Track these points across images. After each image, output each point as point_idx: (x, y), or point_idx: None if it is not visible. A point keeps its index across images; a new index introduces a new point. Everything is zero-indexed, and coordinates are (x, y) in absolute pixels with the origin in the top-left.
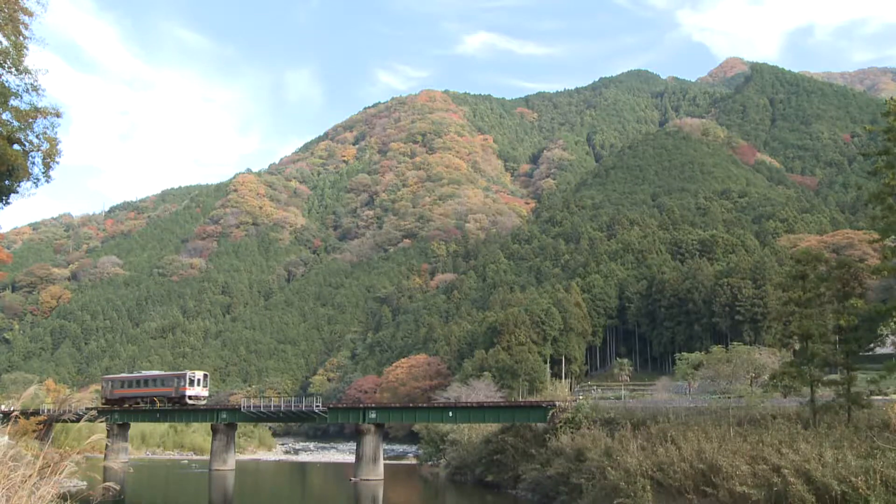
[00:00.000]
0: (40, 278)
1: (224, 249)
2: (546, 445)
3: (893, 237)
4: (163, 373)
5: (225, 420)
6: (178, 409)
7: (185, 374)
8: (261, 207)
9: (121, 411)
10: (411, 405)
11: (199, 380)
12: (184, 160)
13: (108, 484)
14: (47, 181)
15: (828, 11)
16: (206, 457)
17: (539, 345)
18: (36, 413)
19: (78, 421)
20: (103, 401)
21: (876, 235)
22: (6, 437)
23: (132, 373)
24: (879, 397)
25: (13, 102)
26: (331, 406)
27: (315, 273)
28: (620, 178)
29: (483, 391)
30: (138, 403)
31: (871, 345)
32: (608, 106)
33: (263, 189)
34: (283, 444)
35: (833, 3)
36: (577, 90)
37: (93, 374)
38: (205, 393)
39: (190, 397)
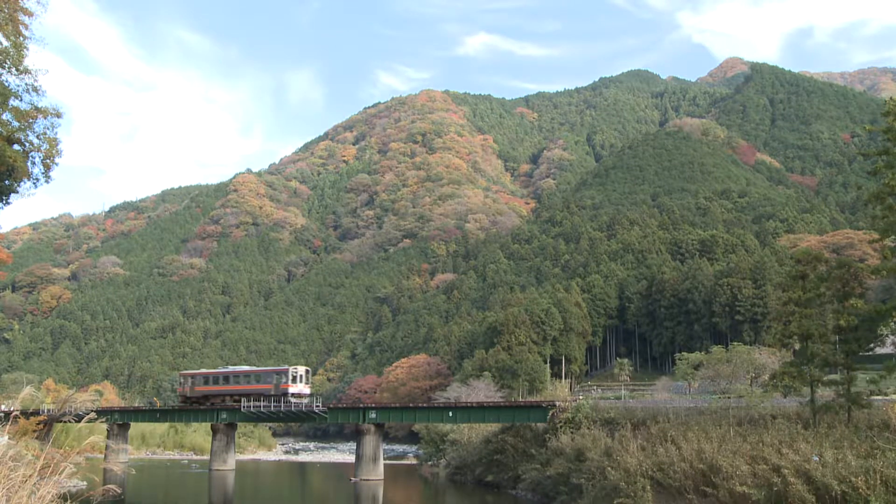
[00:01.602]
0: (40, 278)
1: (224, 249)
2: (546, 445)
3: (893, 237)
4: (258, 368)
5: (225, 420)
6: (179, 410)
7: (287, 369)
8: (261, 207)
9: (127, 411)
10: (411, 405)
11: (301, 376)
12: (185, 161)
13: (109, 486)
14: (47, 181)
15: (827, 13)
16: (206, 457)
17: (539, 345)
18: (36, 413)
19: (79, 421)
20: (181, 399)
21: (876, 235)
22: (6, 437)
23: (217, 368)
24: (879, 397)
25: (13, 102)
26: (331, 406)
27: (315, 273)
28: (620, 178)
29: (483, 391)
30: (224, 401)
31: (871, 345)
32: (608, 106)
33: (263, 189)
34: (283, 444)
35: (832, 4)
36: (577, 90)
37: (93, 374)
38: (307, 390)
39: (293, 395)
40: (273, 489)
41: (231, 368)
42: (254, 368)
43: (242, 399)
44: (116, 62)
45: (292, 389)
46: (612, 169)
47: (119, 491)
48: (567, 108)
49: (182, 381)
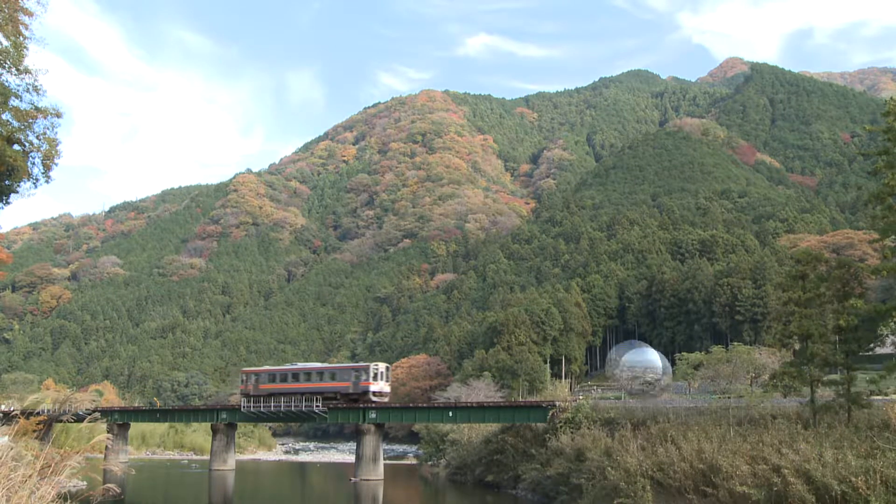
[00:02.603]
0: (40, 278)
1: (224, 249)
2: (546, 445)
3: (893, 237)
4: (334, 365)
5: (225, 420)
6: (179, 410)
7: (368, 366)
8: (261, 207)
9: (127, 411)
10: (411, 405)
11: (381, 373)
12: (186, 161)
13: (109, 486)
14: (47, 181)
15: (827, 14)
16: (206, 457)
17: (539, 345)
18: (36, 413)
19: (80, 421)
20: (243, 398)
21: (876, 235)
22: (6, 437)
23: (283, 364)
24: (879, 397)
25: (13, 102)
26: (331, 406)
27: (315, 273)
28: (620, 178)
29: (483, 391)
30: (292, 400)
31: (871, 345)
32: (608, 106)
33: (263, 189)
34: (283, 444)
35: (832, 5)
36: (577, 90)
37: (93, 374)
38: (387, 388)
39: (374, 393)
40: (273, 489)
41: (301, 365)
42: (328, 365)
43: (316, 398)
44: (117, 63)
45: (373, 388)
46: (612, 169)
47: (118, 490)
48: (567, 108)
49: (244, 378)
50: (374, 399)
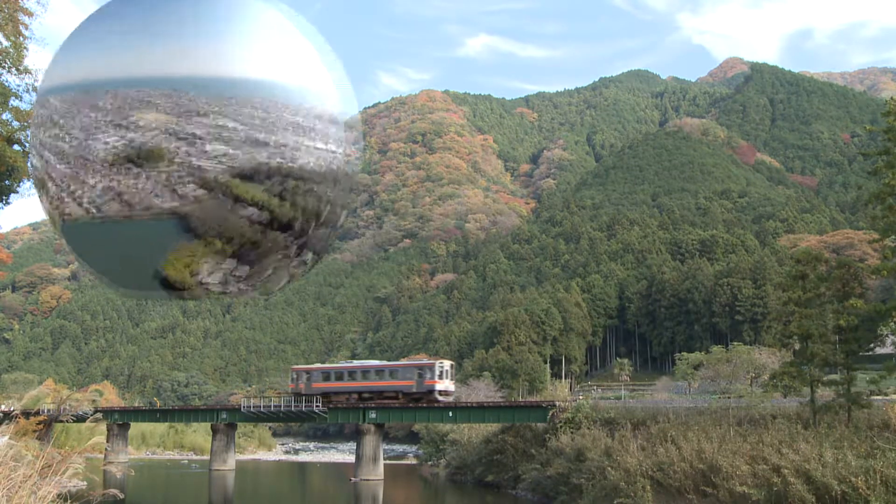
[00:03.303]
0: (40, 278)
1: None
2: (546, 445)
3: (893, 237)
4: (395, 363)
5: (225, 420)
6: (179, 410)
7: (434, 364)
8: None
9: (127, 411)
10: (411, 405)
11: (447, 371)
12: None
13: (112, 490)
14: None
15: (827, 14)
16: (206, 457)
17: (539, 345)
18: (36, 413)
19: (81, 421)
20: (293, 397)
21: (876, 235)
22: (6, 437)
23: (338, 362)
24: (879, 397)
25: (13, 102)
26: (331, 406)
27: (315, 273)
28: (620, 178)
29: (483, 391)
30: (349, 399)
31: (871, 345)
32: (608, 106)
33: None
34: (283, 444)
35: (832, 6)
36: (577, 90)
37: (93, 374)
38: (453, 387)
39: (441, 392)
40: (273, 489)
41: (358, 363)
42: (388, 363)
43: (374, 398)
44: None
45: (439, 386)
46: (612, 169)
47: (122, 496)
48: (567, 108)
49: (295, 376)
50: (441, 399)
